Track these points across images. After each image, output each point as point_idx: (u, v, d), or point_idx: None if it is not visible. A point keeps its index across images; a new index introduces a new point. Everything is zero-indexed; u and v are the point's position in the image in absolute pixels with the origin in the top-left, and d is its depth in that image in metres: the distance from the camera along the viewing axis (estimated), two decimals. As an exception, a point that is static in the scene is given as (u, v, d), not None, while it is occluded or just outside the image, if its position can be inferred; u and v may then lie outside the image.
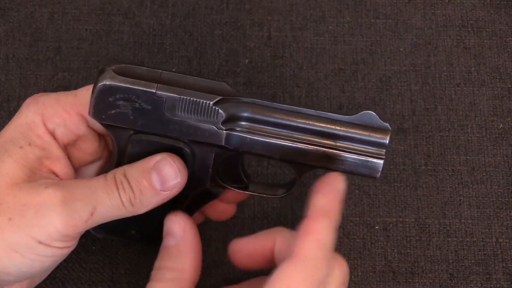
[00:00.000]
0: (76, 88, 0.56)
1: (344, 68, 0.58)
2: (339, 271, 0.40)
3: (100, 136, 0.46)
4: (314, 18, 0.60)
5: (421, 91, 0.58)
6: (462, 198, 0.55)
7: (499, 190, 0.55)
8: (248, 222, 0.54)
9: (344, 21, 0.60)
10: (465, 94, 0.58)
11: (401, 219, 0.54)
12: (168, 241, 0.43)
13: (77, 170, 0.46)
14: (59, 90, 0.57)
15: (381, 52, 0.59)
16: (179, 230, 0.43)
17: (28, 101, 0.44)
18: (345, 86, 0.58)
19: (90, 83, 0.57)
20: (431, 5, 0.61)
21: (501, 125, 0.57)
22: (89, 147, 0.45)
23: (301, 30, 0.59)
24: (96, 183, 0.41)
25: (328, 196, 0.39)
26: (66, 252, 0.42)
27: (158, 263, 0.43)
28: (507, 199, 0.55)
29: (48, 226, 0.40)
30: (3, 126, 0.55)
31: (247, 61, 0.58)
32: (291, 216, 0.54)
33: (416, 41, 0.59)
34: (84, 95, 0.43)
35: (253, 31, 0.59)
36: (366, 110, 0.41)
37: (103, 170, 0.47)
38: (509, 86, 0.58)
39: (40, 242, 0.40)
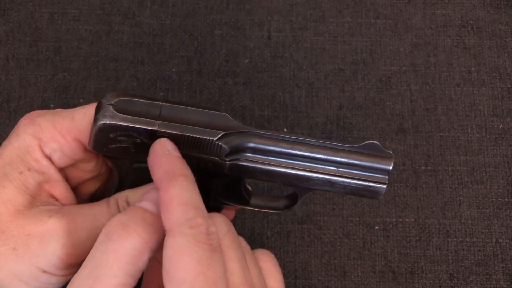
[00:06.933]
0: (75, 88, 0.57)
1: (344, 68, 0.58)
2: (219, 219, 0.38)
3: (97, 155, 0.45)
4: (314, 18, 0.60)
5: (421, 91, 0.58)
6: (462, 198, 0.55)
7: (499, 190, 0.55)
8: (248, 223, 0.54)
9: (344, 21, 0.60)
10: (465, 94, 0.58)
11: (401, 219, 0.54)
12: (146, 205, 0.38)
13: (76, 187, 0.46)
14: (59, 90, 0.57)
15: (381, 52, 0.59)
16: (156, 205, 0.38)
17: (25, 121, 0.42)
18: (345, 86, 0.58)
19: (90, 83, 0.57)
20: (431, 5, 0.60)
21: (501, 125, 0.57)
22: (86, 166, 0.45)
23: (301, 30, 0.59)
24: (99, 210, 0.41)
25: (164, 163, 0.37)
26: (70, 278, 0.42)
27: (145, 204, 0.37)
28: (507, 199, 0.55)
29: (53, 256, 0.39)
30: (3, 126, 0.56)
31: (247, 61, 0.58)
32: (291, 217, 0.54)
33: (416, 41, 0.59)
34: (82, 119, 0.42)
35: (253, 31, 0.59)
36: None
37: (103, 188, 0.46)
38: (509, 86, 0.58)
39: (44, 272, 0.40)
